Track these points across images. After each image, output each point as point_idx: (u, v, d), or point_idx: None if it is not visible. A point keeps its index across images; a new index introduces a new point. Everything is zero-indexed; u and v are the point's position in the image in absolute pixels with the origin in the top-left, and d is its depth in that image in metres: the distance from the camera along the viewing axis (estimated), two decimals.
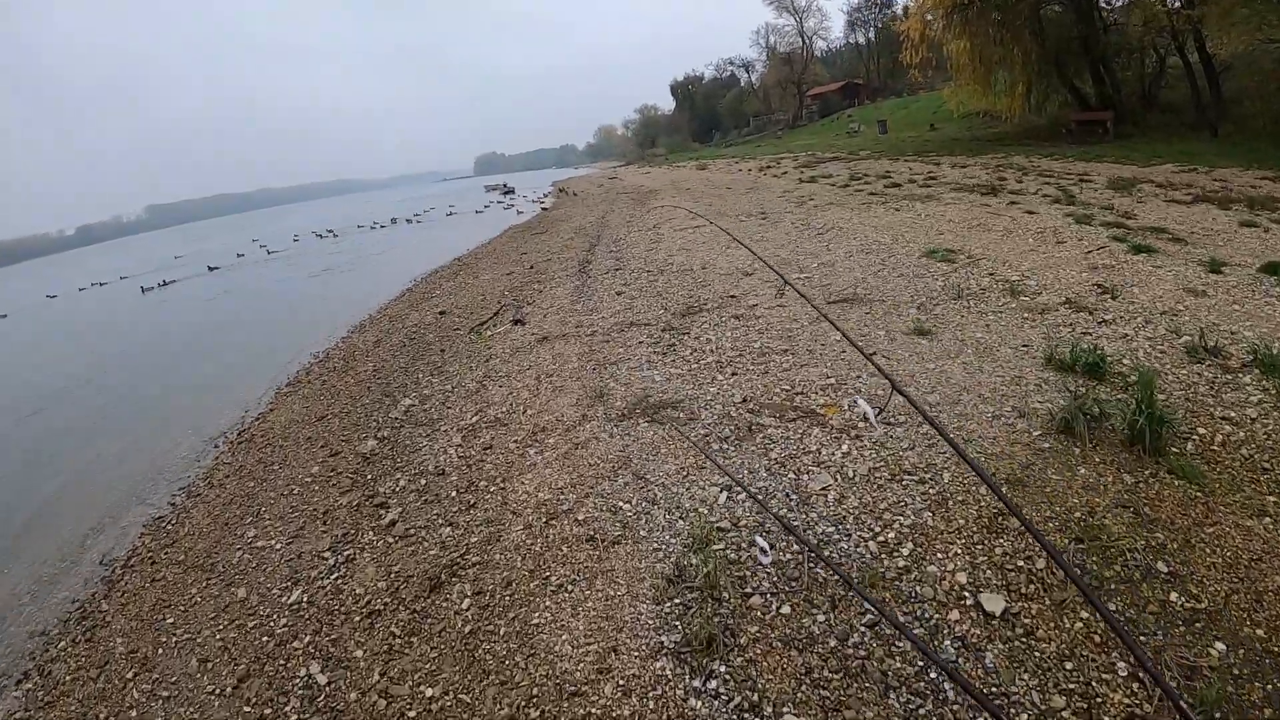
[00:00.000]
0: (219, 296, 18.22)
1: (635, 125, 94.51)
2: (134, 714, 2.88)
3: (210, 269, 25.68)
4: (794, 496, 3.23)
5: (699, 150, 60.20)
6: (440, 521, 3.69)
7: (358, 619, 3.05)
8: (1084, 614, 2.34)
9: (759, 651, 2.38)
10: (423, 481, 4.19)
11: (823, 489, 3.24)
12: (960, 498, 3.02)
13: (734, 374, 4.82)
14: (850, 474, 3.33)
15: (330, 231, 34.37)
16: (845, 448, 3.56)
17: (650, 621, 2.63)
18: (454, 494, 3.95)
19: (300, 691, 2.72)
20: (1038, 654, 2.22)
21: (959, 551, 2.71)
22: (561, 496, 3.62)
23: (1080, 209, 8.83)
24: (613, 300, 7.66)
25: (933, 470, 3.25)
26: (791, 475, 3.41)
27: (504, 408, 5.07)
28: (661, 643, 2.51)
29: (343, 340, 9.17)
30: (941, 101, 41.27)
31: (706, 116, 73.66)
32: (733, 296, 6.86)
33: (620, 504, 3.43)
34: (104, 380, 10.14)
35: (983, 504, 2.96)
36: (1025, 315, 5.18)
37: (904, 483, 3.20)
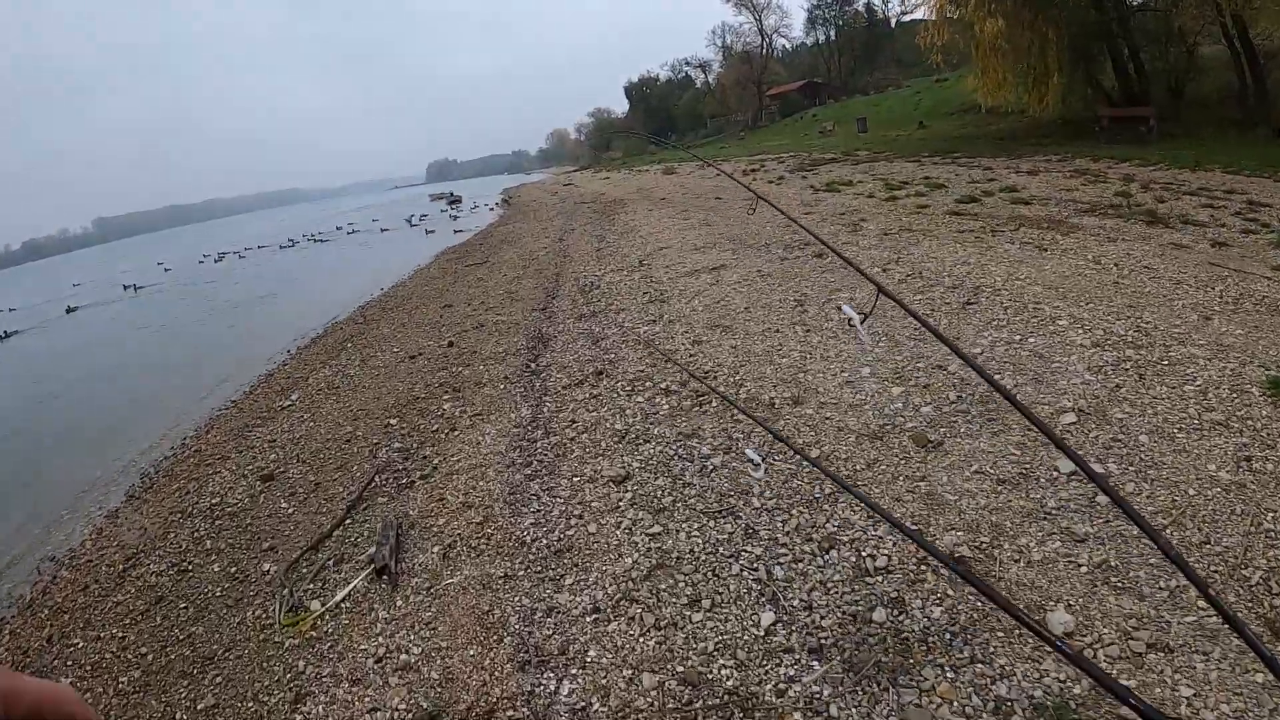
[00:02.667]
0: None
1: (588, 129, 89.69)
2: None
3: (69, 310, 20.24)
4: None
5: (657, 153, 56.11)
6: None
7: None
8: None
9: None
10: None
11: None
12: None
13: None
14: None
15: (237, 253, 29.05)
16: None
17: None
18: None
19: None
20: None
21: None
22: None
23: None
24: (599, 482, 3.35)
25: None
26: None
27: None
28: None
29: None
30: (919, 98, 38.53)
31: (662, 118, 70.18)
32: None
33: None
34: None
35: None
36: None
37: None
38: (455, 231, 22.07)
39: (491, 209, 34.07)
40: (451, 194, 47.92)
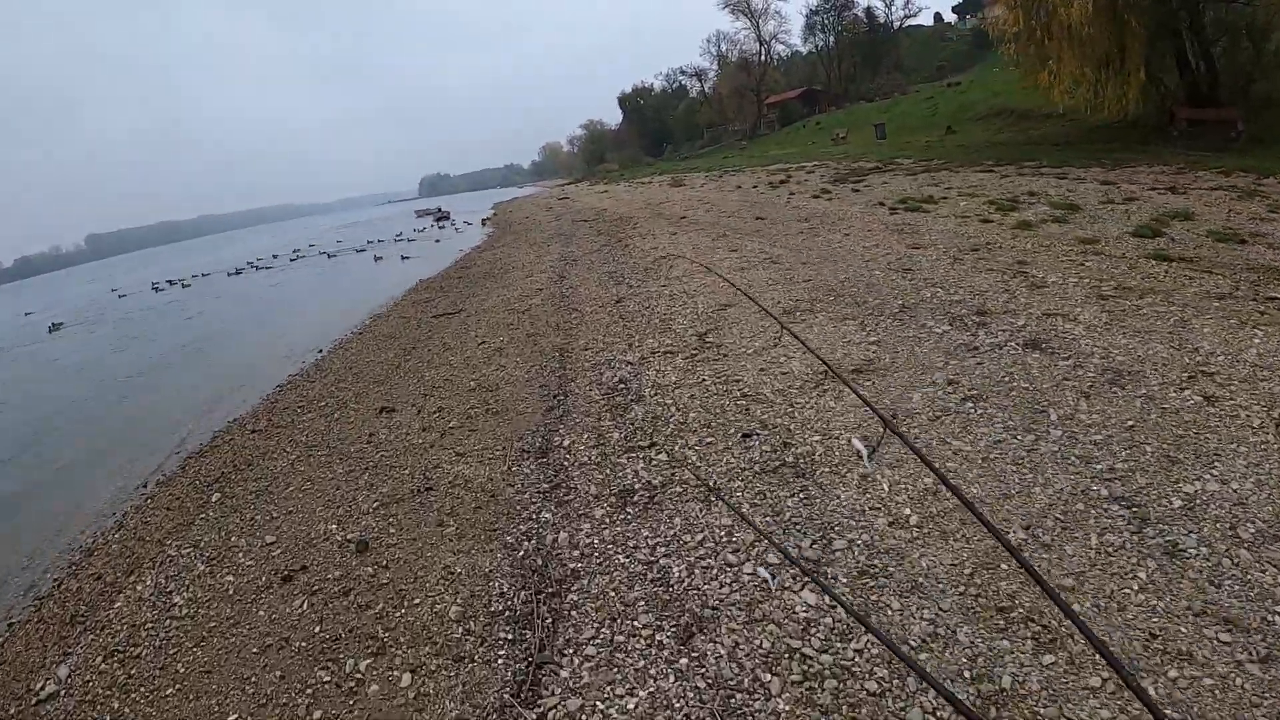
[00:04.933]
0: None
1: (581, 141, 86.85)
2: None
3: None
4: None
5: (656, 164, 53.99)
6: None
7: None
8: None
9: None
10: None
11: None
12: None
13: None
14: None
15: (183, 281, 25.95)
16: None
17: None
18: None
19: None
20: None
21: None
22: None
23: None
24: None
25: None
26: None
27: None
28: None
29: None
30: (933, 103, 35.62)
31: (657, 129, 67.66)
32: None
33: None
34: None
35: None
36: None
37: None
38: (425, 261, 18.70)
39: (483, 222, 30.95)
40: (440, 210, 44.55)
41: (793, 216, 11.08)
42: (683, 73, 66.56)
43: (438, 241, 25.02)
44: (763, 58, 55.49)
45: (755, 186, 17.84)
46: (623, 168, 60.14)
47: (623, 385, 4.63)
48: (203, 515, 4.17)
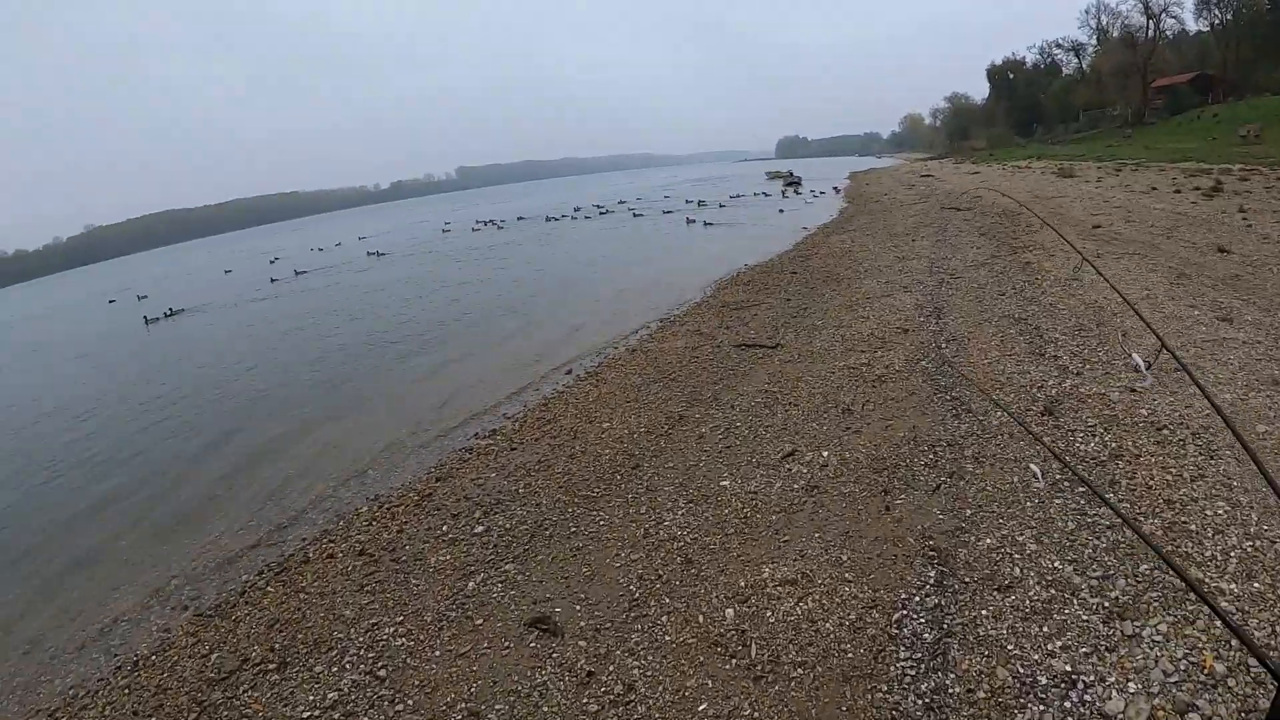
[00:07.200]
0: None
1: (944, 115, 76.64)
2: None
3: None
4: None
5: (1028, 146, 45.85)
6: None
7: None
8: None
9: None
10: None
11: None
12: None
13: None
14: None
15: (497, 223, 29.33)
16: None
17: None
18: None
19: None
20: None
21: None
22: None
23: None
24: None
25: None
26: None
27: None
28: None
29: None
30: None
31: (1027, 107, 57.17)
32: None
33: None
34: None
35: None
36: None
37: None
38: (775, 223, 16.51)
39: (838, 191, 27.86)
40: (791, 174, 42.34)
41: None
42: (1058, 46, 55.21)
43: (781, 211, 22.70)
44: (1150, 33, 45.01)
45: (1178, 191, 12.65)
46: (991, 146, 53.00)
47: None
48: None
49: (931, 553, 2.83)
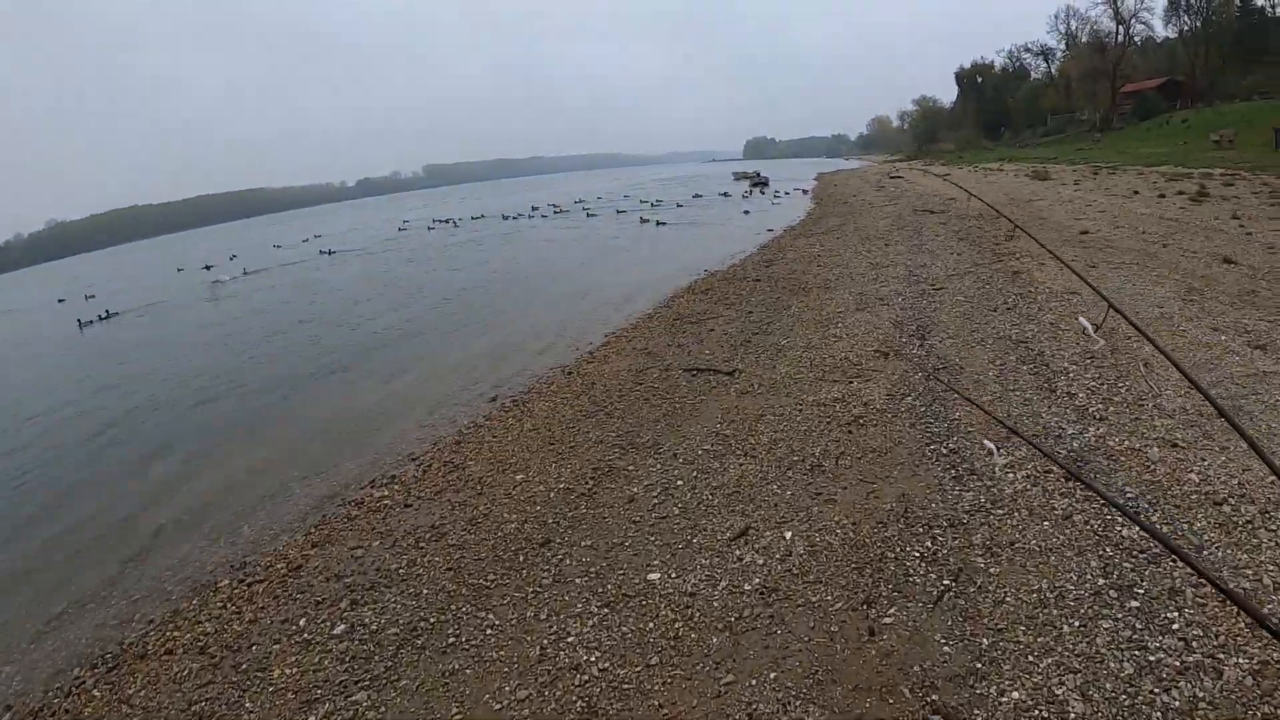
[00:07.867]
0: None
1: (912, 117, 78.40)
2: None
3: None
4: None
5: (996, 149, 46.53)
6: None
7: None
8: None
9: None
10: None
11: None
12: None
13: None
14: None
15: (454, 221, 28.15)
16: None
17: None
18: None
19: None
20: None
21: None
22: None
23: None
24: None
25: None
26: None
27: None
28: None
29: None
30: None
31: (995, 111, 58.22)
32: None
33: None
34: None
35: None
36: None
37: None
38: (733, 226, 15.62)
39: (806, 192, 27.23)
40: (758, 174, 41.70)
41: None
42: (1026, 50, 56.60)
43: (746, 213, 21.88)
44: (1119, 38, 45.89)
45: (1161, 196, 12.21)
46: (959, 149, 54.12)
47: None
48: None
49: (935, 717, 1.91)
